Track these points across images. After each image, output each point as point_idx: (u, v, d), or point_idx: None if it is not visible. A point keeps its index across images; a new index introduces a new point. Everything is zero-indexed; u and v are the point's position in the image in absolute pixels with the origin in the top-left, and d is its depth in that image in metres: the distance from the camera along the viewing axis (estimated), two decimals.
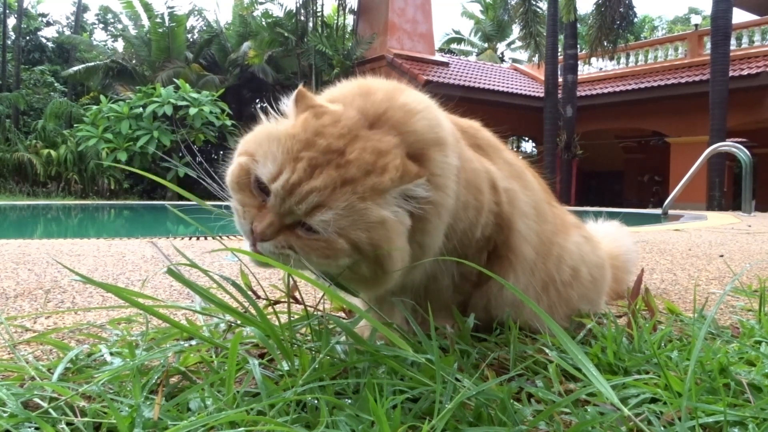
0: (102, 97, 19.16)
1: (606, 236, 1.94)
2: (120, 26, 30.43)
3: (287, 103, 1.15)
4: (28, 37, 29.99)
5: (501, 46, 36.72)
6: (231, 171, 1.12)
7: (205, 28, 24.41)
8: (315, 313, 1.23)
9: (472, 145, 1.34)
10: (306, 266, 1.05)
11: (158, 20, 21.63)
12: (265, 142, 1.07)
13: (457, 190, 1.15)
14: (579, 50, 20.82)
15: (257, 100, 24.90)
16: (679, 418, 0.85)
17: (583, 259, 1.50)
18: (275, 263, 1.02)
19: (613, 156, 24.06)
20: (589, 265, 1.52)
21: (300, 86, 1.14)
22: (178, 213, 1.31)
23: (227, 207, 1.17)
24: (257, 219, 1.04)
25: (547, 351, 1.17)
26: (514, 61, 32.79)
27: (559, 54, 19.54)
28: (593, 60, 21.42)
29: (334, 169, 1.00)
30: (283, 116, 1.13)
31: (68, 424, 0.87)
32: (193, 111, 18.05)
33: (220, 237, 1.68)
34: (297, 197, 0.99)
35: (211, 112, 18.46)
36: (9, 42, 27.13)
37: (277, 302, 1.56)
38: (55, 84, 27.04)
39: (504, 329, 1.33)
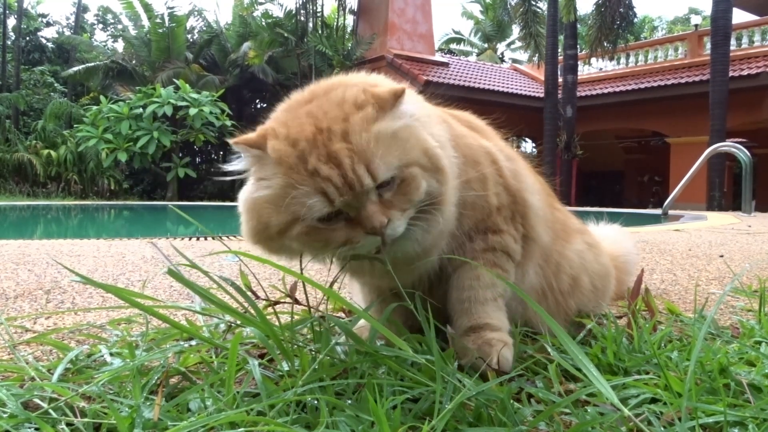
0: (102, 98, 19.16)
1: (606, 238, 1.94)
2: (120, 27, 30.47)
3: (242, 163, 1.07)
4: (28, 38, 29.98)
5: (501, 47, 36.70)
6: (308, 244, 1.03)
7: (205, 28, 24.39)
8: (314, 314, 1.23)
9: (468, 127, 1.33)
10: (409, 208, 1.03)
11: (158, 21, 21.62)
12: (281, 198, 1.00)
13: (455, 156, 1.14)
14: (579, 50, 20.81)
15: (257, 101, 24.92)
16: (679, 419, 0.85)
17: (585, 267, 1.47)
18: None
19: (613, 156, 24.04)
20: (592, 275, 1.49)
21: (234, 142, 1.06)
22: (181, 213, 1.31)
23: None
24: (366, 223, 0.99)
25: (548, 350, 1.16)
26: (514, 61, 32.81)
27: (559, 54, 19.53)
28: (593, 60, 21.41)
29: (338, 142, 0.98)
30: (255, 179, 1.06)
31: (68, 424, 0.87)
32: (193, 111, 18.05)
33: (221, 237, 1.68)
34: (354, 179, 0.97)
35: (211, 113, 18.46)
36: (9, 42, 27.12)
37: (276, 303, 1.56)
38: (55, 84, 27.02)
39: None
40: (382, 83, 1.16)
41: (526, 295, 1.01)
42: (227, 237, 4.46)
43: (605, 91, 20.34)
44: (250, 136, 1.05)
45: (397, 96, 1.03)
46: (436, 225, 1.07)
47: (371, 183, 0.98)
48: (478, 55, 34.60)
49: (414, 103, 1.11)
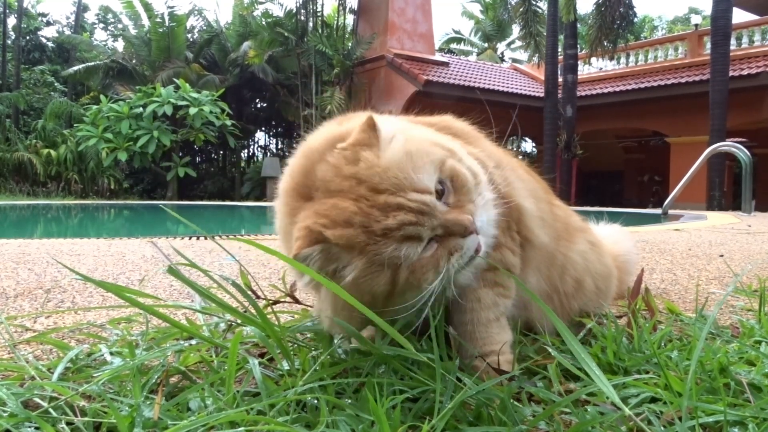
0: (102, 97, 19.17)
1: (606, 238, 1.93)
2: (120, 26, 30.42)
3: (315, 266, 0.99)
4: (28, 37, 29.96)
5: (501, 46, 36.70)
6: (421, 279, 0.99)
7: (205, 27, 24.39)
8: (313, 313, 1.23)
9: (450, 135, 1.26)
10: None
11: (158, 20, 21.63)
12: (373, 266, 0.97)
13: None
14: (579, 50, 20.80)
15: (257, 100, 24.92)
16: (680, 418, 0.85)
17: (588, 268, 1.45)
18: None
19: (613, 156, 24.04)
20: (595, 276, 1.48)
21: (295, 256, 0.98)
22: (176, 215, 1.31)
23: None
24: (457, 226, 0.98)
25: (548, 349, 1.16)
26: (514, 60, 32.78)
27: (559, 54, 19.53)
28: (593, 60, 21.40)
29: (375, 195, 0.97)
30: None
31: (68, 423, 0.87)
32: (193, 111, 18.06)
33: (220, 236, 1.68)
34: (418, 209, 0.96)
35: (211, 112, 18.47)
36: (9, 42, 27.12)
37: (276, 302, 1.57)
38: (55, 84, 27.02)
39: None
40: (347, 125, 1.13)
41: (545, 305, 1.00)
42: (227, 236, 4.46)
43: (605, 90, 20.34)
44: (303, 242, 0.97)
45: (371, 125, 1.01)
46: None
47: (431, 197, 0.97)
48: (478, 54, 34.59)
49: (387, 122, 1.09)
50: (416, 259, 0.97)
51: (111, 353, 1.16)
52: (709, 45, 17.01)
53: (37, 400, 0.93)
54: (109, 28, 35.40)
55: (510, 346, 1.20)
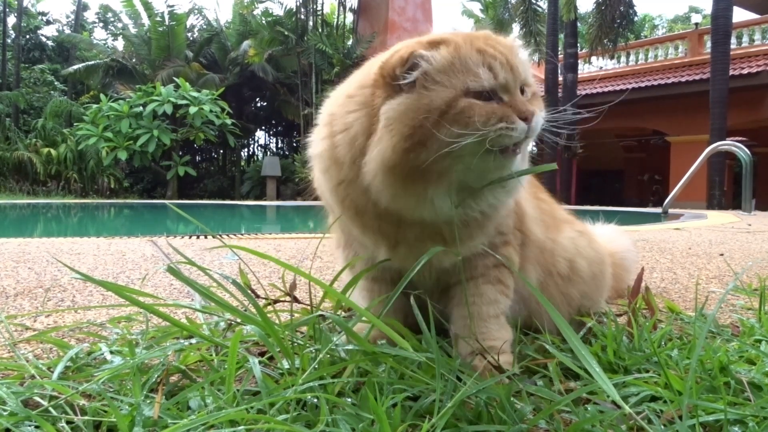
0: (102, 96, 19.16)
1: (603, 236, 1.94)
2: (120, 25, 30.38)
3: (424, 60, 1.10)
4: (27, 36, 29.94)
5: None
6: (469, 122, 1.05)
7: (205, 26, 24.37)
8: (314, 311, 1.23)
9: None
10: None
11: (158, 19, 21.61)
12: (442, 77, 1.07)
13: None
14: (579, 49, 20.79)
15: (257, 99, 24.90)
16: (680, 417, 0.85)
17: (579, 252, 1.47)
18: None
19: (613, 155, 24.03)
20: (587, 259, 1.49)
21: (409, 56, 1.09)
22: (182, 213, 1.31)
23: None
24: (517, 108, 1.07)
25: (548, 348, 1.16)
26: None
27: (559, 53, 19.52)
28: (593, 59, 21.40)
29: (497, 45, 1.13)
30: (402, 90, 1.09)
31: (68, 422, 0.87)
32: (193, 110, 18.05)
33: (220, 235, 1.68)
34: (517, 71, 1.10)
35: (211, 111, 18.46)
36: (9, 40, 27.10)
37: (276, 301, 1.57)
38: (55, 83, 26.99)
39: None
40: None
41: (546, 301, 1.01)
42: (227, 235, 4.46)
43: (606, 89, 20.33)
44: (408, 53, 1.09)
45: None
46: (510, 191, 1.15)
47: (522, 76, 1.11)
48: None
49: None
50: (475, 100, 1.06)
51: (111, 352, 1.16)
52: (709, 44, 17.01)
53: (37, 399, 0.93)
54: (109, 27, 35.37)
55: (510, 345, 1.21)
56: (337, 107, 1.16)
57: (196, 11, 23.72)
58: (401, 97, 1.06)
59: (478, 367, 1.14)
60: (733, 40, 17.38)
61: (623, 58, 21.54)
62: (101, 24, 36.20)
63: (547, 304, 0.96)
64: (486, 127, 1.04)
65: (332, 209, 1.26)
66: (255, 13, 22.75)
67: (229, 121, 18.96)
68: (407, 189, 1.07)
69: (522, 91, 1.12)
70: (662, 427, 0.87)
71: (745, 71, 16.82)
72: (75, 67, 22.91)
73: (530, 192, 1.45)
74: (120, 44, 28.23)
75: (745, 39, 18.93)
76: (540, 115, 1.10)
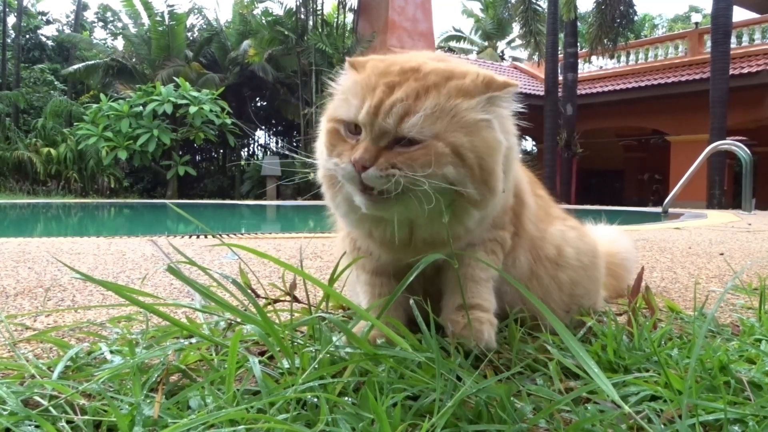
0: (102, 96, 19.13)
1: (603, 237, 1.94)
2: (120, 25, 30.40)
3: (343, 74, 1.17)
4: (27, 36, 29.92)
5: (501, 45, 36.67)
6: (320, 141, 1.13)
7: (205, 26, 24.34)
8: (314, 311, 1.23)
9: None
10: (413, 186, 1.01)
11: (158, 18, 21.58)
12: (341, 96, 1.10)
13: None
14: (579, 48, 20.80)
15: (257, 99, 24.87)
16: (680, 416, 0.85)
17: (567, 241, 1.50)
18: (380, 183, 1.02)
19: (613, 154, 24.03)
20: (575, 249, 1.50)
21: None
22: (183, 213, 1.30)
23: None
24: (353, 153, 1.04)
25: (548, 348, 1.17)
26: (515, 59, 32.75)
27: (559, 52, 19.51)
28: (593, 58, 21.39)
29: (414, 81, 1.04)
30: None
31: (68, 422, 0.87)
32: (193, 109, 18.03)
33: (220, 235, 1.68)
34: (383, 114, 1.01)
35: (211, 111, 18.45)
36: (9, 40, 27.08)
37: (276, 301, 1.57)
38: (55, 82, 26.97)
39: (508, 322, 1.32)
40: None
41: (528, 281, 1.03)
42: (227, 235, 4.46)
43: (605, 89, 20.33)
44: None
45: (504, 87, 1.10)
46: (460, 221, 1.12)
47: (391, 128, 1.01)
48: (478, 53, 34.57)
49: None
50: (343, 128, 1.09)
51: (111, 352, 1.16)
52: (709, 43, 17.01)
53: (37, 398, 0.93)
54: (109, 26, 35.37)
55: (493, 307, 1.26)
56: None
57: (196, 11, 23.70)
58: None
59: (457, 322, 1.17)
60: (733, 40, 17.38)
61: (623, 58, 21.54)
62: (101, 24, 36.20)
63: (540, 305, 0.97)
64: (325, 155, 1.09)
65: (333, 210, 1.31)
66: (255, 12, 22.73)
67: (229, 121, 18.93)
68: (336, 196, 1.16)
69: (398, 140, 1.02)
70: (662, 426, 0.87)
71: (745, 71, 16.82)
72: (75, 66, 22.89)
73: (530, 187, 1.48)
74: (120, 44, 28.25)
75: (745, 38, 18.93)
76: (372, 171, 1.01)
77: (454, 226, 1.12)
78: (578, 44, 20.50)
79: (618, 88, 19.98)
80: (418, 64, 1.08)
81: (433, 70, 1.07)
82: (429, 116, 1.01)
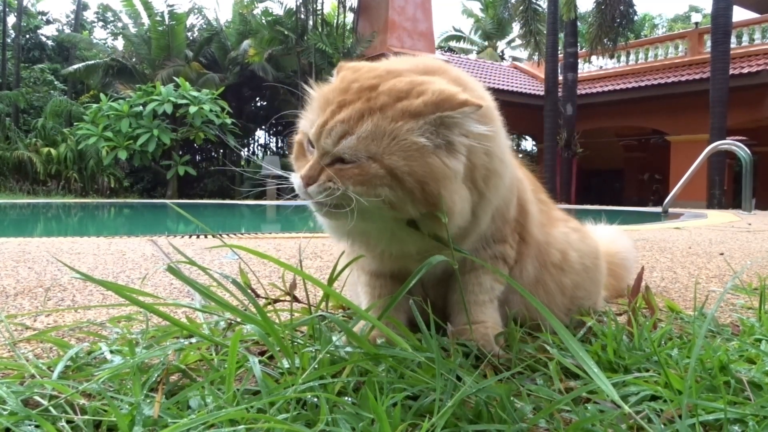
0: (102, 96, 19.13)
1: (603, 237, 1.95)
2: (120, 24, 30.37)
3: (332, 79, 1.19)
4: (27, 36, 29.92)
5: (501, 44, 36.67)
6: (295, 155, 1.17)
7: (205, 26, 24.34)
8: (313, 311, 1.23)
9: None
10: (347, 202, 1.02)
11: (158, 18, 21.58)
12: (310, 107, 1.12)
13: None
14: (579, 48, 20.80)
15: (257, 99, 24.87)
16: (680, 416, 0.85)
17: (570, 245, 1.50)
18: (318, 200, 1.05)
19: (613, 154, 24.03)
20: (579, 252, 1.51)
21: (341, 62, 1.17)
22: (184, 213, 1.31)
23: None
24: (303, 169, 1.07)
25: (548, 348, 1.17)
26: (514, 59, 32.74)
27: (559, 52, 19.51)
28: (593, 58, 21.39)
29: (363, 102, 1.04)
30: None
31: (68, 422, 0.87)
32: (193, 109, 18.03)
33: (220, 235, 1.68)
34: (326, 134, 1.04)
35: (211, 111, 18.44)
36: (9, 40, 27.08)
37: (276, 300, 1.57)
38: (55, 82, 26.96)
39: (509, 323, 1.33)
40: (472, 88, 1.16)
41: (533, 286, 1.03)
42: (227, 235, 4.46)
43: (605, 89, 20.34)
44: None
45: (460, 106, 1.01)
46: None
47: (329, 147, 1.04)
48: (478, 53, 34.58)
49: (488, 120, 1.11)
50: (305, 142, 1.13)
51: (111, 351, 1.16)
52: (709, 43, 17.01)
53: (37, 398, 0.93)
54: (109, 26, 35.35)
55: (499, 324, 1.31)
56: None
57: (196, 11, 23.71)
58: None
59: (465, 331, 1.23)
60: (733, 40, 17.38)
61: (623, 58, 21.54)
62: (101, 23, 36.18)
63: (543, 309, 0.97)
64: (295, 166, 1.14)
65: None
66: (255, 12, 22.74)
67: (229, 121, 18.91)
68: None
69: (338, 158, 1.03)
70: (662, 426, 0.87)
71: (745, 70, 16.82)
72: (75, 66, 22.89)
73: (533, 193, 1.49)
74: (120, 44, 28.24)
75: (745, 38, 18.93)
76: (314, 187, 1.03)
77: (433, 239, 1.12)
78: (578, 44, 20.50)
79: (618, 87, 19.99)
80: (379, 81, 1.06)
81: (388, 89, 1.04)
82: (364, 138, 1.01)
